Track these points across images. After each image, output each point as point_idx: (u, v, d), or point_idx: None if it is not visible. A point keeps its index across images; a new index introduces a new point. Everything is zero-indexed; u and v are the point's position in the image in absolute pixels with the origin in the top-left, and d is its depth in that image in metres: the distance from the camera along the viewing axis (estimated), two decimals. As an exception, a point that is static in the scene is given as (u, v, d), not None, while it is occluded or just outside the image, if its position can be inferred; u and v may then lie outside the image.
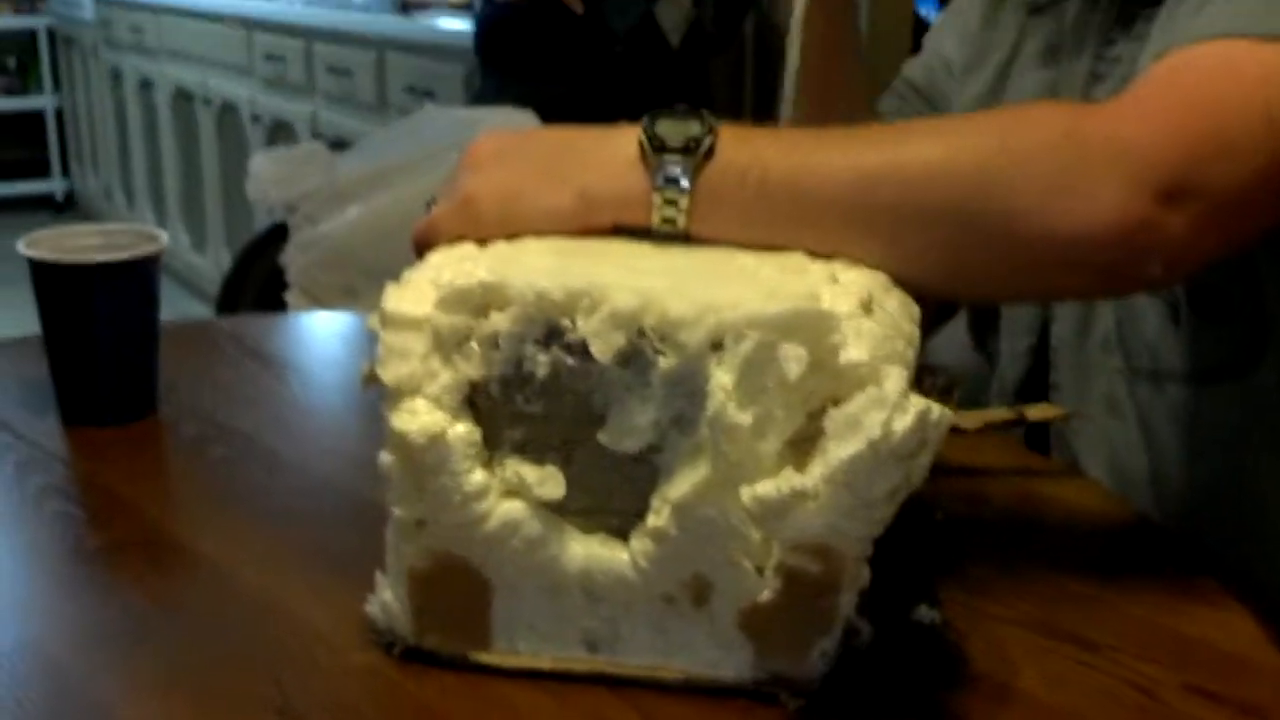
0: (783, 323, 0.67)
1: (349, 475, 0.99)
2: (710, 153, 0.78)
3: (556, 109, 1.81)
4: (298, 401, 1.19)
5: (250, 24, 4.26)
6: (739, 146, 0.79)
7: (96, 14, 5.57)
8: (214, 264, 4.61)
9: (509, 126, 1.75)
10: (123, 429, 1.08)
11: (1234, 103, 0.80)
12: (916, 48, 1.30)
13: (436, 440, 0.71)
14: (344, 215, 1.77)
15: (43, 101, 6.33)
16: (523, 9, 2.49)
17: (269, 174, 1.81)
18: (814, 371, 0.67)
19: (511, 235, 0.79)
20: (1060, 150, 0.78)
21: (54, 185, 6.40)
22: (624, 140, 0.80)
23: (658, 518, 0.70)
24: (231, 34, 4.38)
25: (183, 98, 4.84)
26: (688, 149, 0.78)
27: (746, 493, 0.67)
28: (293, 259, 1.84)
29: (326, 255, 1.79)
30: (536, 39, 2.49)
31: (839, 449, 0.66)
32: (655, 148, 0.78)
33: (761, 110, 2.94)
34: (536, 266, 0.74)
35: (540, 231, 0.79)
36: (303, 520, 0.93)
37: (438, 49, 3.29)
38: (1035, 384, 1.12)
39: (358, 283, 1.76)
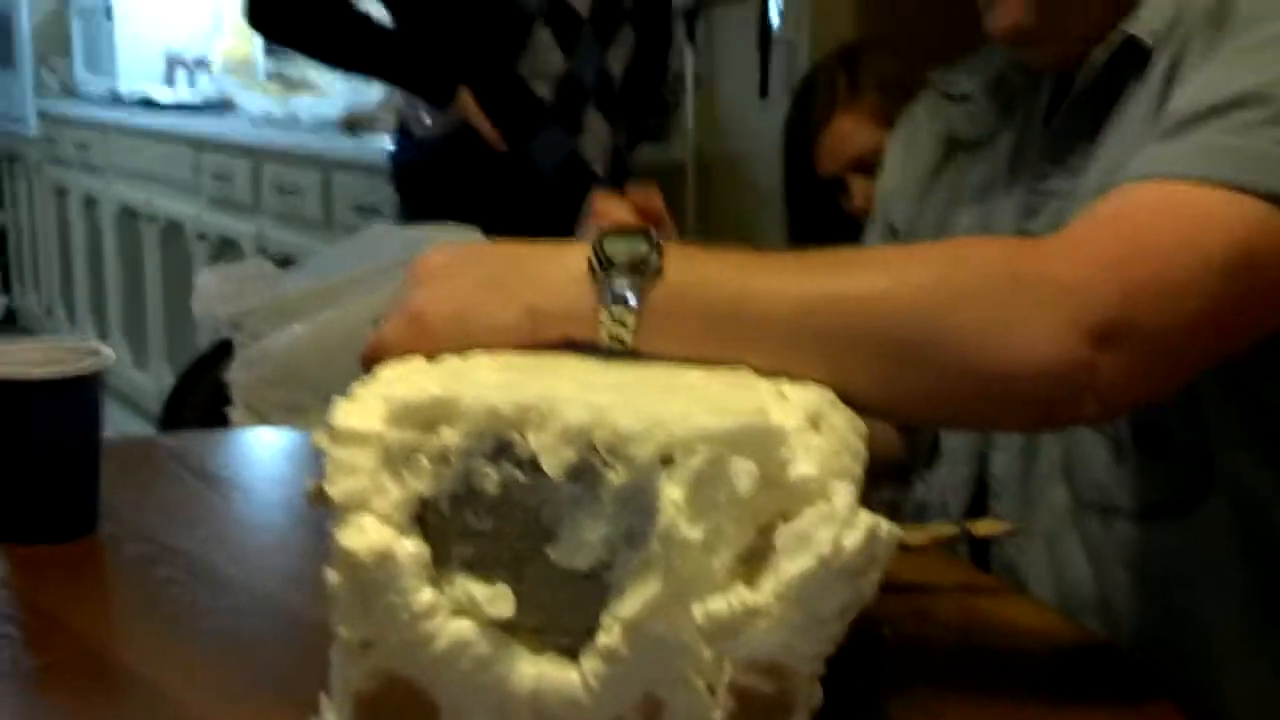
0: (732, 437, 0.67)
1: (293, 595, 0.97)
2: (658, 271, 0.79)
3: None
4: (242, 519, 1.18)
5: (198, 143, 4.28)
6: (686, 266, 0.79)
7: (41, 131, 5.57)
8: (156, 381, 4.57)
9: (455, 242, 1.76)
10: (62, 548, 1.07)
11: (1172, 245, 0.82)
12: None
13: (385, 558, 0.71)
14: (289, 332, 1.76)
15: (-16, 218, 6.31)
16: (440, 147, 2.48)
17: (214, 290, 1.81)
18: (764, 486, 0.67)
19: (461, 350, 0.79)
20: (998, 287, 0.79)
21: (-6, 301, 6.35)
22: (572, 257, 0.80)
23: (608, 636, 0.69)
24: (178, 153, 4.39)
25: (127, 215, 4.83)
26: (636, 268, 0.78)
27: (698, 609, 0.67)
28: (237, 375, 1.83)
29: (271, 372, 1.78)
30: (458, 177, 2.48)
31: (790, 565, 0.66)
32: (604, 265, 0.79)
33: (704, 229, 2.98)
34: (487, 382, 0.74)
35: (489, 346, 0.79)
36: (246, 642, 0.92)
37: (383, 169, 3.30)
38: (978, 513, 1.12)
39: (303, 399, 1.75)
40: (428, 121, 2.48)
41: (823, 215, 2.07)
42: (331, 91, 4.26)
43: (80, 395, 1.08)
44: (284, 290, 1.82)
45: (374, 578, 0.71)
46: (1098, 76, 1.05)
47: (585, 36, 2.46)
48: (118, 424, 4.56)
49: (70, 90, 5.52)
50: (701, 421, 0.68)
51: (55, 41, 5.64)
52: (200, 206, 4.27)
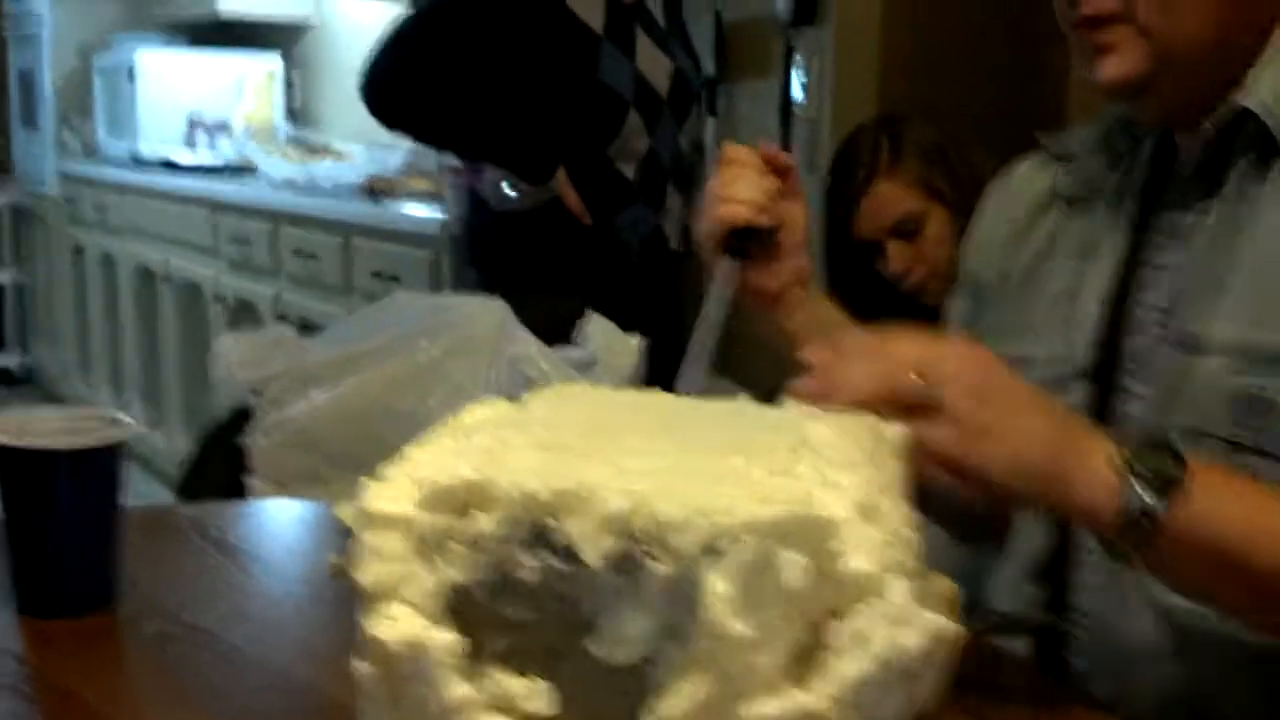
0: (780, 528, 0.65)
1: (315, 674, 0.95)
2: (1182, 494, 0.84)
3: (569, 319, 1.85)
4: (262, 594, 1.15)
5: (217, 206, 4.28)
6: (1212, 498, 0.85)
7: (61, 191, 5.59)
8: (171, 443, 4.56)
9: (483, 316, 1.74)
10: (80, 622, 1.04)
11: None
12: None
13: (417, 649, 0.68)
14: (310, 399, 1.74)
15: (2, 275, 6.32)
16: (522, 220, 2.51)
17: (235, 356, 1.79)
18: (815, 580, 0.65)
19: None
20: None
21: (10, 360, 6.35)
22: (1102, 454, 0.85)
23: (650, 735, 0.66)
24: (197, 215, 4.40)
25: (145, 276, 4.83)
26: (1162, 487, 0.84)
27: (748, 710, 0.64)
28: (257, 442, 1.80)
29: (292, 439, 1.76)
30: (542, 249, 2.52)
31: (846, 666, 0.63)
32: (1131, 472, 0.84)
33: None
34: (522, 464, 0.72)
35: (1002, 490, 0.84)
36: (267, 724, 0.89)
37: (404, 235, 3.30)
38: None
39: (323, 468, 1.73)
40: (511, 195, 2.51)
41: (860, 277, 2.06)
42: (353, 157, 4.27)
43: (104, 466, 1.05)
44: (305, 357, 1.80)
45: (404, 669, 0.68)
46: (1208, 147, 1.03)
47: (665, 118, 2.52)
48: (132, 487, 4.53)
49: (91, 151, 5.54)
50: (747, 510, 0.65)
51: (78, 103, 5.67)
52: (219, 269, 4.26)
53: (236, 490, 1.85)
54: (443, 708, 0.68)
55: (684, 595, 0.66)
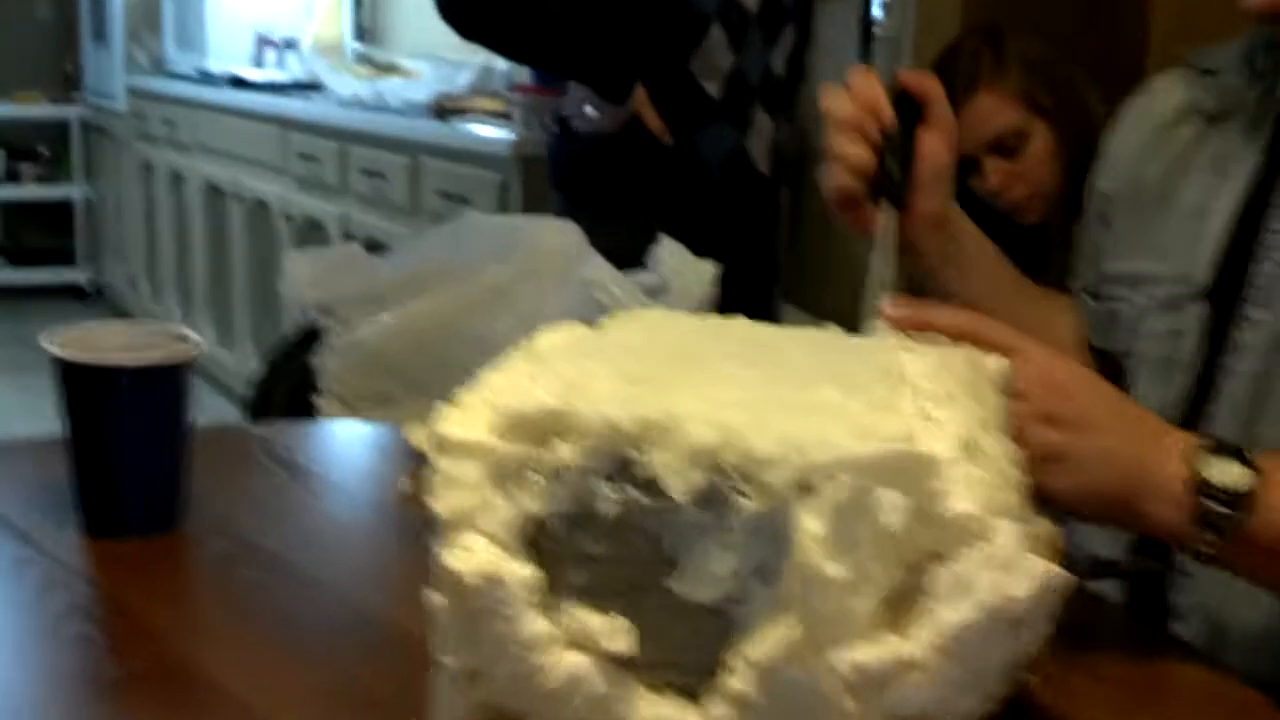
0: (879, 466, 0.61)
1: (385, 604, 0.93)
2: (1255, 505, 0.82)
3: (646, 243, 1.80)
4: (331, 518, 1.13)
5: (286, 123, 4.26)
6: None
7: (130, 106, 5.60)
8: (240, 360, 4.57)
9: (555, 238, 1.71)
10: (148, 542, 1.02)
11: None
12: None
13: (493, 582, 0.65)
14: (379, 320, 1.72)
15: (72, 191, 6.36)
16: (606, 142, 2.46)
17: (305, 275, 1.77)
18: (914, 522, 0.61)
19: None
20: None
21: (80, 275, 6.40)
22: (1172, 471, 0.84)
23: (737, 679, 0.63)
24: (265, 132, 4.38)
25: (214, 193, 4.83)
26: (1234, 501, 0.82)
27: (840, 657, 0.61)
28: (326, 363, 1.78)
29: (361, 360, 1.74)
30: (624, 173, 2.46)
31: (948, 613, 0.59)
32: (1203, 492, 0.83)
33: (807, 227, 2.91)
34: (605, 393, 0.68)
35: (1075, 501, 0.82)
36: (335, 654, 0.87)
37: (473, 155, 3.27)
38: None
39: (392, 390, 1.70)
40: (593, 116, 2.45)
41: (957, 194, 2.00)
42: (421, 75, 4.23)
43: (170, 383, 1.03)
44: (375, 278, 1.77)
45: (481, 603, 0.65)
46: None
47: (753, 35, 2.45)
48: (201, 403, 4.56)
49: (160, 67, 5.53)
50: (845, 447, 0.61)
51: (147, 18, 5.65)
52: (287, 187, 4.25)
53: (305, 410, 1.83)
54: (519, 643, 0.65)
55: (773, 533, 0.62)
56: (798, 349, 0.78)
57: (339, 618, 0.92)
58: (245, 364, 4.37)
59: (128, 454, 1.01)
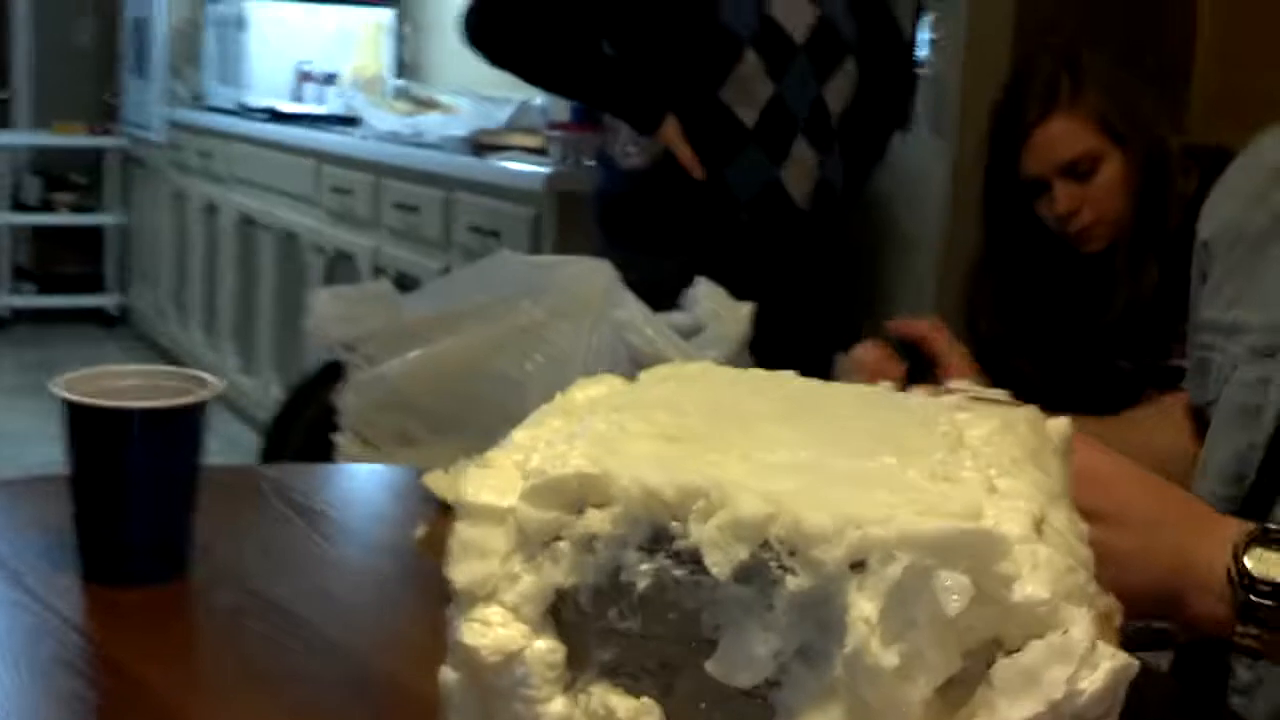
0: (942, 544, 0.55)
1: (399, 666, 0.87)
2: None
3: (682, 281, 1.73)
4: (345, 568, 1.08)
5: (320, 156, 4.24)
6: None
7: (168, 137, 5.59)
8: (263, 389, 4.54)
9: (588, 278, 1.66)
10: (150, 591, 0.97)
11: None
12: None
13: (512, 659, 0.60)
14: (405, 358, 1.67)
15: (106, 218, 6.36)
16: (642, 177, 2.39)
17: (332, 311, 1.72)
18: (976, 605, 0.55)
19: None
20: None
21: (108, 300, 6.39)
22: (1217, 565, 0.80)
23: (776, 772, 0.58)
24: (300, 165, 4.36)
25: (246, 223, 4.81)
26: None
27: (893, 754, 0.55)
28: (348, 400, 1.73)
29: (383, 398, 1.69)
30: (658, 207, 2.39)
31: (1011, 709, 0.54)
32: (1246, 585, 0.78)
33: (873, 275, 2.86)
34: (642, 454, 0.63)
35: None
36: (346, 718, 0.81)
37: (507, 190, 3.23)
38: None
39: (415, 430, 1.65)
40: (632, 151, 2.40)
41: (1018, 218, 1.95)
42: (460, 111, 4.20)
43: (180, 427, 0.98)
44: (402, 314, 1.72)
45: (497, 682, 0.60)
46: None
47: (799, 65, 2.36)
48: (223, 431, 4.53)
49: (200, 100, 5.53)
50: (904, 522, 0.56)
51: (188, 52, 5.66)
52: (319, 219, 4.22)
53: (324, 449, 1.78)
54: (539, 726, 0.60)
55: (821, 614, 0.57)
56: (848, 408, 0.73)
57: (350, 680, 0.86)
58: (268, 393, 4.34)
59: (134, 498, 0.97)
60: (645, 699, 0.60)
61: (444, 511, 1.14)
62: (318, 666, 0.88)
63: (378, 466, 1.45)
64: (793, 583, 0.56)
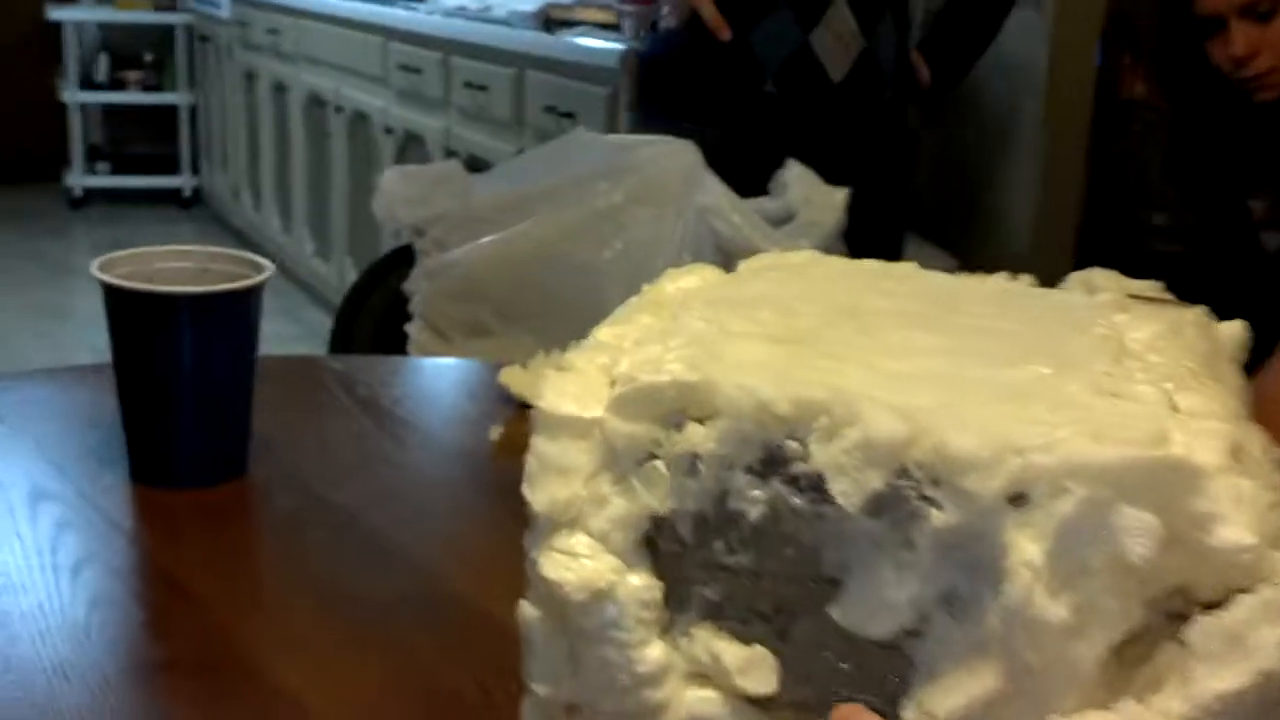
0: (1123, 474, 0.46)
1: (471, 582, 0.79)
2: None
3: (710, 153, 1.59)
4: (414, 471, 1.00)
5: (387, 33, 4.13)
6: None
7: (233, 13, 5.50)
8: (338, 273, 4.48)
9: (669, 159, 1.55)
10: (204, 493, 0.90)
11: None
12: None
13: (601, 597, 0.51)
14: (477, 243, 1.58)
15: (176, 98, 6.29)
16: (678, 40, 2.21)
17: (399, 192, 1.63)
18: (1164, 548, 0.46)
19: None
20: None
21: (182, 181, 6.35)
22: None
23: (914, 737, 0.49)
24: (368, 43, 4.25)
25: (315, 103, 4.72)
26: None
27: (1057, 723, 0.46)
28: (418, 287, 1.65)
29: (455, 285, 1.60)
30: (687, 74, 2.21)
31: (1212, 678, 0.44)
32: None
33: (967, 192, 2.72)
34: (749, 360, 0.54)
35: None
36: (409, 643, 0.73)
37: (580, 69, 3.10)
38: None
39: (487, 320, 1.57)
40: (666, 9, 2.23)
41: (1190, 59, 1.81)
42: (528, -16, 4.06)
43: (233, 314, 0.90)
44: (473, 197, 1.63)
45: (585, 623, 0.52)
46: None
47: None
48: (299, 315, 4.49)
49: (266, -27, 5.42)
50: (1075, 447, 0.46)
51: (254, -78, 5.54)
52: (388, 99, 4.12)
53: (394, 338, 1.70)
54: (632, 674, 0.52)
55: (971, 555, 0.47)
56: (986, 306, 0.63)
57: (416, 596, 0.79)
58: (343, 277, 4.28)
59: (183, 393, 0.89)
60: (757, 646, 0.51)
61: (521, 411, 1.06)
62: (380, 580, 0.80)
63: (450, 360, 1.37)
64: (937, 518, 0.47)
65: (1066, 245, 2.40)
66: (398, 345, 1.69)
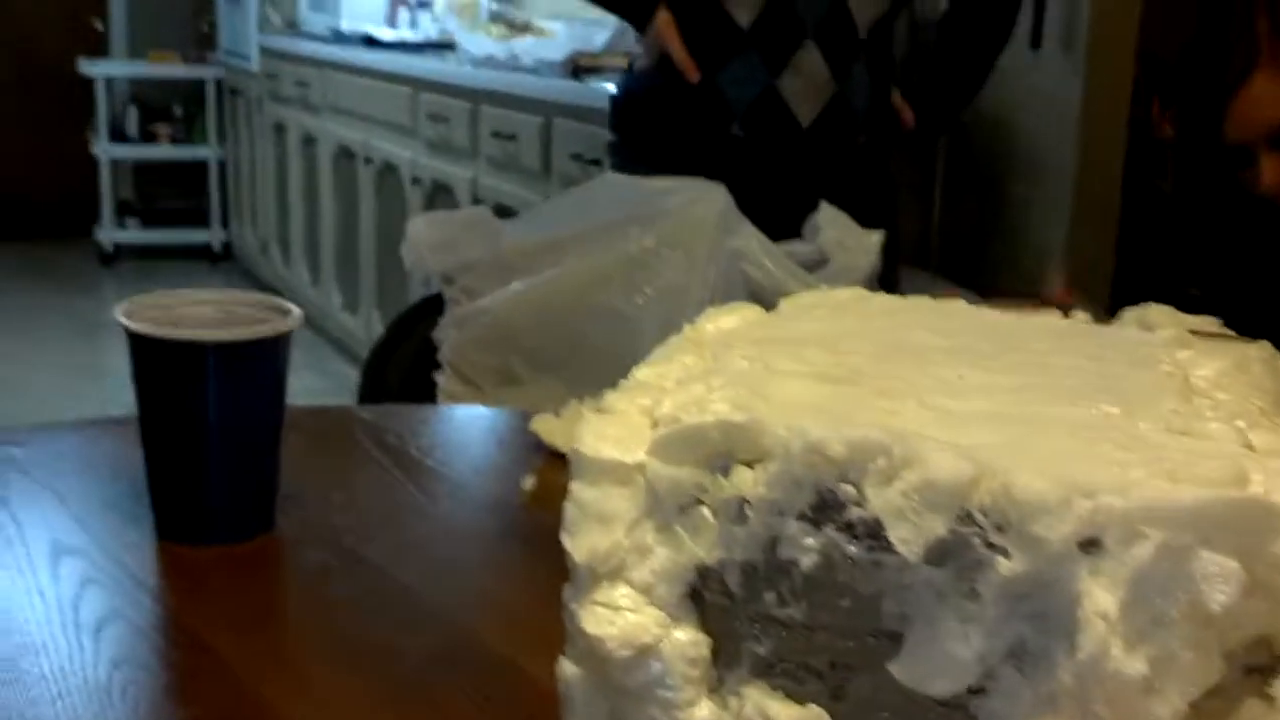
0: (1202, 518, 0.43)
1: (507, 641, 0.76)
2: None
3: None
4: (445, 523, 0.97)
5: (416, 84, 4.14)
6: None
7: (263, 66, 5.53)
8: (365, 326, 4.48)
9: (701, 203, 1.53)
10: (231, 550, 0.88)
11: None
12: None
13: (645, 653, 0.49)
14: (507, 290, 1.56)
15: (206, 152, 6.33)
16: (650, 81, 2.17)
17: (428, 238, 1.61)
18: (1245, 596, 0.43)
19: None
20: None
21: (212, 235, 6.37)
22: None
23: (981, 801, 0.46)
24: (396, 93, 4.26)
25: (344, 155, 4.74)
26: None
27: (1137, 786, 0.43)
28: (447, 335, 1.63)
29: (485, 333, 1.58)
30: (661, 115, 2.16)
31: (1307, 738, 0.41)
32: None
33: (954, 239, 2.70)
34: (798, 400, 0.51)
35: None
36: (447, 703, 0.70)
37: (607, 115, 3.09)
38: None
39: (518, 368, 1.55)
40: (639, 51, 2.20)
41: (1220, 189, 1.77)
42: (556, 35, 4.07)
43: (261, 361, 0.88)
44: (503, 244, 1.61)
45: (629, 680, 0.49)
46: None
47: None
48: (326, 369, 4.49)
49: (293, 26, 5.46)
50: (1150, 489, 0.43)
51: (281, -22, 5.59)
52: (417, 150, 4.13)
53: (425, 387, 1.68)
54: (679, 735, 0.49)
55: (1041, 605, 0.45)
56: (1044, 343, 0.60)
57: (449, 654, 0.76)
58: (371, 330, 4.28)
59: (210, 444, 0.86)
60: (811, 706, 0.48)
61: (554, 460, 1.04)
62: (413, 638, 0.77)
63: (481, 409, 1.35)
64: (1004, 566, 0.44)
65: (1102, 281, 2.37)
66: (427, 395, 1.67)
